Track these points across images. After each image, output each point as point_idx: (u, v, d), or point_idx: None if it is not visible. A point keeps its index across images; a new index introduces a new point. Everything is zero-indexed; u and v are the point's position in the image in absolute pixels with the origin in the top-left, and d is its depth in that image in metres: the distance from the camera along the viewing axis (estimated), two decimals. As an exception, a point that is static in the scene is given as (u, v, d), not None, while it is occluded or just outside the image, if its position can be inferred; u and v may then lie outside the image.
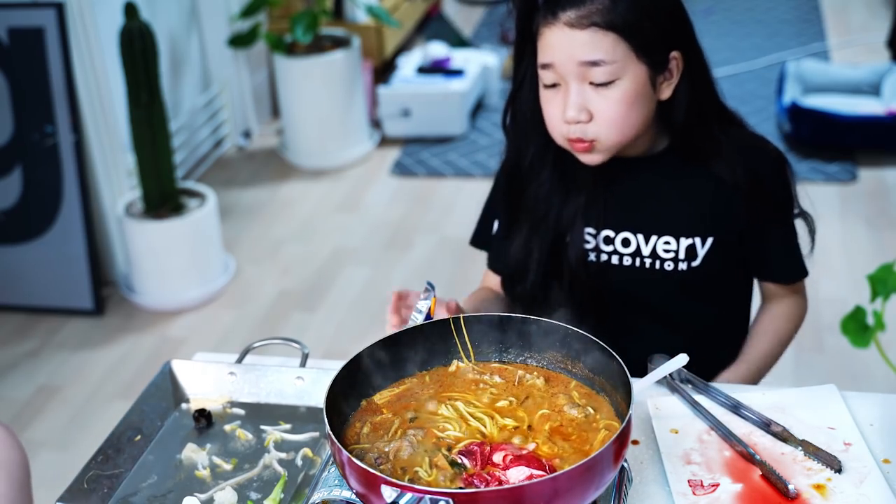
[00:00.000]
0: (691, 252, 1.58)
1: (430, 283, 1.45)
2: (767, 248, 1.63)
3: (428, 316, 1.40)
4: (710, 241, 1.58)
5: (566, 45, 1.44)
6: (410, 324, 1.37)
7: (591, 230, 1.61)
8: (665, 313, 1.66)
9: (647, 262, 1.60)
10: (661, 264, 1.59)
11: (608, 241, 1.61)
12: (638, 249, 1.60)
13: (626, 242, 1.61)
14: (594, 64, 1.44)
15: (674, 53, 1.50)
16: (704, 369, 1.52)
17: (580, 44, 1.44)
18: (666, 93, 1.52)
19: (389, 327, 1.48)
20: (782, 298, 1.70)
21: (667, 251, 1.59)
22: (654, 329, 1.67)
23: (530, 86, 1.55)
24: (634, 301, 1.65)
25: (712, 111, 1.60)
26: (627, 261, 1.61)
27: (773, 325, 1.70)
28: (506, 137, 1.68)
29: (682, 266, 1.59)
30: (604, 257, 1.62)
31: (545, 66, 1.48)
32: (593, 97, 1.47)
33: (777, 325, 1.69)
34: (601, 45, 1.43)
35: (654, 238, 1.59)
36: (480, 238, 1.83)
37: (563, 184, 1.61)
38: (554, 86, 1.49)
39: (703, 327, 1.69)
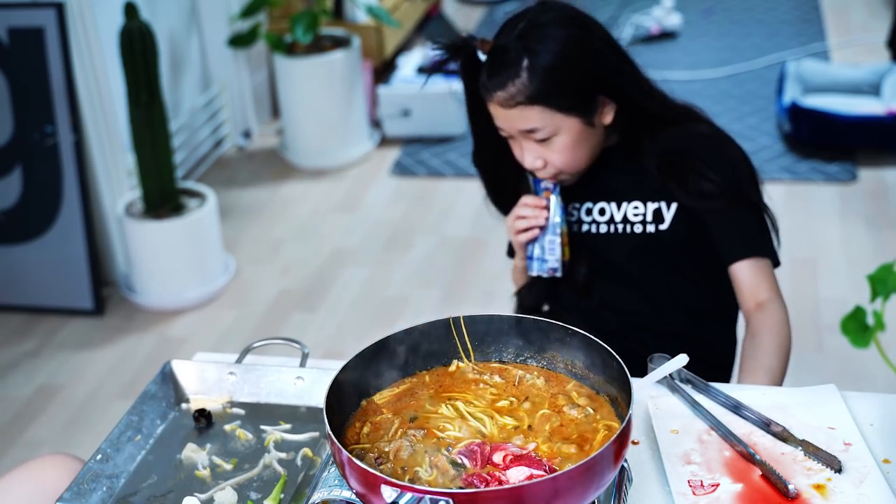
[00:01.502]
0: (658, 215, 1.74)
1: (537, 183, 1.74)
2: (723, 228, 1.71)
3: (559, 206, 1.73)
4: (674, 206, 1.73)
5: (504, 118, 1.66)
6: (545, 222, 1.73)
7: (575, 204, 1.79)
8: (643, 284, 1.77)
9: (620, 227, 1.76)
10: (632, 228, 1.75)
11: (588, 212, 1.78)
12: (612, 217, 1.77)
13: (602, 211, 1.78)
14: (530, 131, 1.65)
15: (601, 97, 1.66)
16: (691, 356, 1.55)
17: (514, 118, 1.65)
18: (608, 118, 1.69)
19: (520, 235, 1.76)
20: (758, 317, 1.67)
21: (636, 215, 1.75)
22: (636, 303, 1.78)
23: (492, 131, 1.74)
24: (613, 270, 1.78)
25: (655, 117, 1.73)
26: (604, 228, 1.77)
27: (761, 362, 1.64)
28: (479, 170, 1.91)
29: (651, 228, 1.74)
30: (585, 227, 1.79)
31: (497, 126, 1.70)
32: (542, 149, 1.68)
33: (764, 363, 1.64)
34: (530, 117, 1.63)
35: (624, 204, 1.76)
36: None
37: None
38: (509, 137, 1.71)
39: (685, 307, 1.77)
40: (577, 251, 1.78)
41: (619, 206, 1.76)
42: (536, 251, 1.76)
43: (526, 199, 1.75)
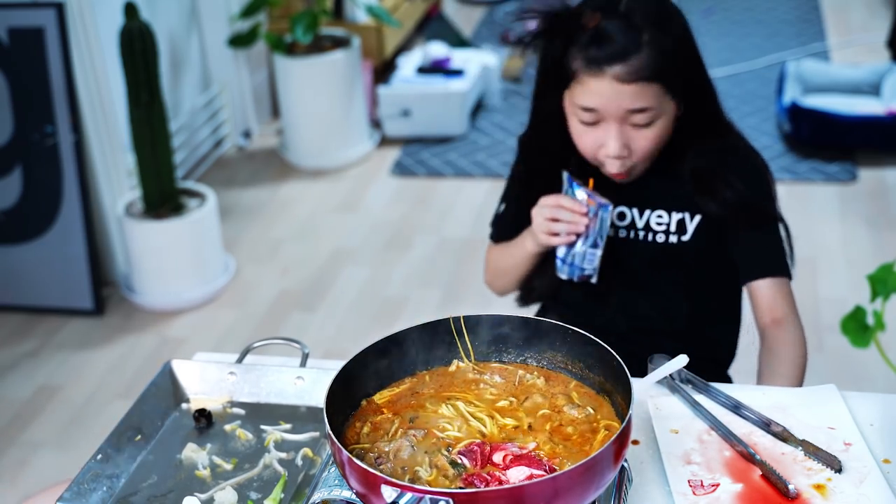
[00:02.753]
0: (681, 226, 1.70)
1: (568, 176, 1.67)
2: (746, 247, 1.69)
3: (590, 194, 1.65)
4: (697, 217, 1.69)
5: (613, 96, 1.55)
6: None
7: None
8: (656, 291, 1.75)
9: (641, 234, 1.72)
10: (654, 236, 1.71)
11: None
12: (633, 222, 1.72)
13: (621, 216, 1.72)
14: (640, 111, 1.56)
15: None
16: (697, 365, 1.54)
17: (628, 95, 1.54)
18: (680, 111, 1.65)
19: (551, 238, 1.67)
20: (774, 332, 1.66)
21: (659, 224, 1.70)
22: (647, 308, 1.75)
23: (558, 116, 1.65)
24: (627, 275, 1.74)
25: (708, 123, 1.70)
26: (622, 233, 1.72)
27: (779, 371, 1.63)
28: (522, 152, 1.78)
29: (673, 239, 1.70)
30: None
31: (586, 109, 1.58)
32: (633, 135, 1.59)
33: (782, 372, 1.62)
34: (646, 94, 1.55)
35: (647, 212, 1.71)
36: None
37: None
38: (591, 123, 1.59)
39: (693, 311, 1.76)
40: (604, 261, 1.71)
41: (641, 213, 1.71)
42: (570, 257, 1.68)
43: (563, 202, 1.64)
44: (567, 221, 1.64)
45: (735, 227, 1.68)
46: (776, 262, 1.68)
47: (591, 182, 1.66)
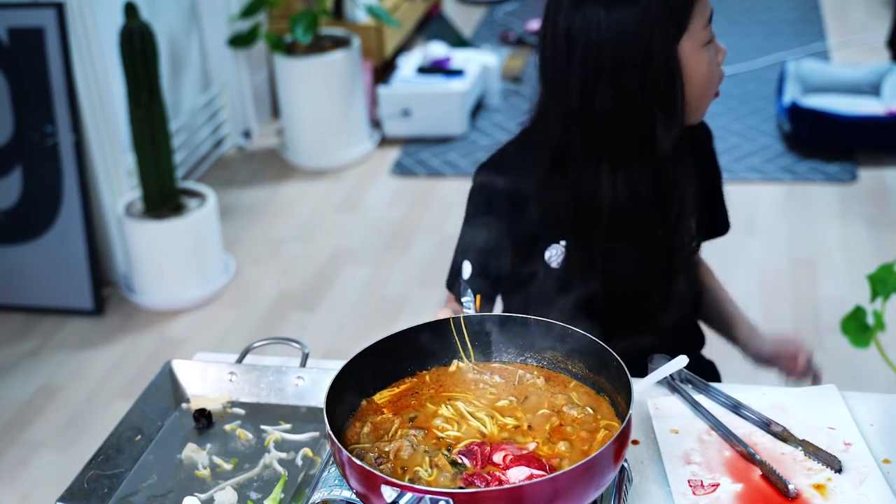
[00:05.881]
0: (697, 227, 1.64)
1: (464, 282, 1.46)
2: (716, 207, 1.72)
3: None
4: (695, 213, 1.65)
5: (707, 8, 1.47)
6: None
7: None
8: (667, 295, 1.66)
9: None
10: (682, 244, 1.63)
11: None
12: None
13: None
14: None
15: None
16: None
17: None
18: None
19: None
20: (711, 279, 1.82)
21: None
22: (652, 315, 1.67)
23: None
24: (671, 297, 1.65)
25: None
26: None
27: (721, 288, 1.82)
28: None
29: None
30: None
31: (710, 20, 1.47)
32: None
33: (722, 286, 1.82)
34: None
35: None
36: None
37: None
38: (710, 40, 1.48)
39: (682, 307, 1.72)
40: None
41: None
42: None
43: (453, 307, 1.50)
44: None
45: (712, 191, 1.70)
46: (726, 220, 1.75)
47: (478, 299, 1.40)
